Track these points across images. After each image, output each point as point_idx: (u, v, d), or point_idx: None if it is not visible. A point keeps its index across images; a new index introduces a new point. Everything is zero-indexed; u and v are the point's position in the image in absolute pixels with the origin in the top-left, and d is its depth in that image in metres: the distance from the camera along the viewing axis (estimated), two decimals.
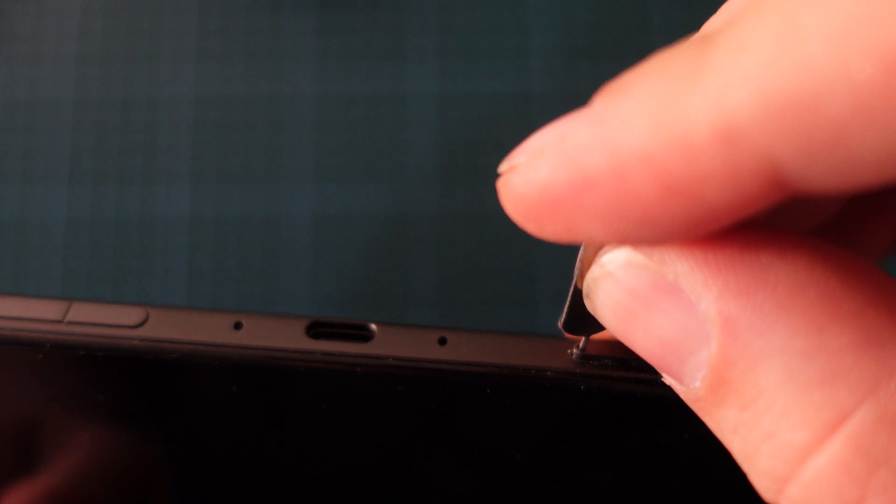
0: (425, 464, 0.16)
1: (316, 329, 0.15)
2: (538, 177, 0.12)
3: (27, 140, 0.32)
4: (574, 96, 0.32)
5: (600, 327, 0.13)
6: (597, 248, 0.13)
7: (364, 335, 0.15)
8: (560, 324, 0.14)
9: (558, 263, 0.31)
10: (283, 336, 0.15)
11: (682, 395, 0.12)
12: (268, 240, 0.31)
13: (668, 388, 0.14)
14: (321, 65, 0.33)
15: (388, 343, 0.15)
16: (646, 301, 0.12)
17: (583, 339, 0.15)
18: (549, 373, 0.14)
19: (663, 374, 0.12)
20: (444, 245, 0.31)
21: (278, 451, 0.16)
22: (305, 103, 0.32)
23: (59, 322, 0.15)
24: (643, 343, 0.12)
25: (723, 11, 0.12)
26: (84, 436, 0.16)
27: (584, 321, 0.13)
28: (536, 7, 0.33)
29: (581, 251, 0.13)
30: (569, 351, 0.15)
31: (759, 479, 0.12)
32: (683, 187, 0.11)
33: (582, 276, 0.13)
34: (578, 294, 0.13)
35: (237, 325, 0.15)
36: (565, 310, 0.13)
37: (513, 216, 0.12)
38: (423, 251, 0.31)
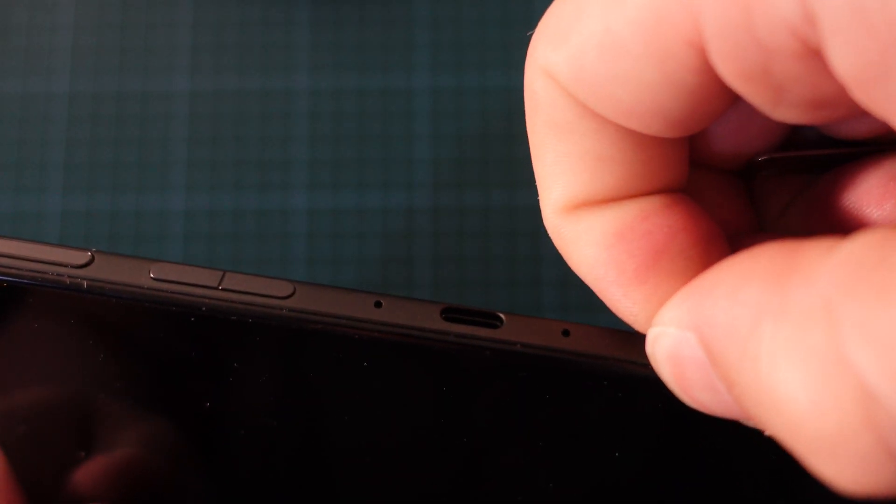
0: (540, 449, 0.17)
1: (449, 313, 0.16)
2: None
3: (21, 133, 0.32)
4: None
5: None
6: None
7: (494, 323, 0.16)
8: None
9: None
10: (420, 316, 0.16)
11: None
12: (262, 231, 0.32)
13: None
14: (315, 58, 0.33)
15: (515, 331, 0.16)
16: None
17: None
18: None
19: None
20: (443, 239, 0.32)
21: (402, 428, 0.17)
22: (299, 96, 0.33)
23: (215, 289, 0.15)
24: None
25: None
26: (213, 400, 0.17)
27: None
28: (542, 1, 0.33)
29: None
30: None
31: None
32: None
33: None
34: None
35: (377, 304, 0.16)
36: None
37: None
38: (422, 245, 0.32)
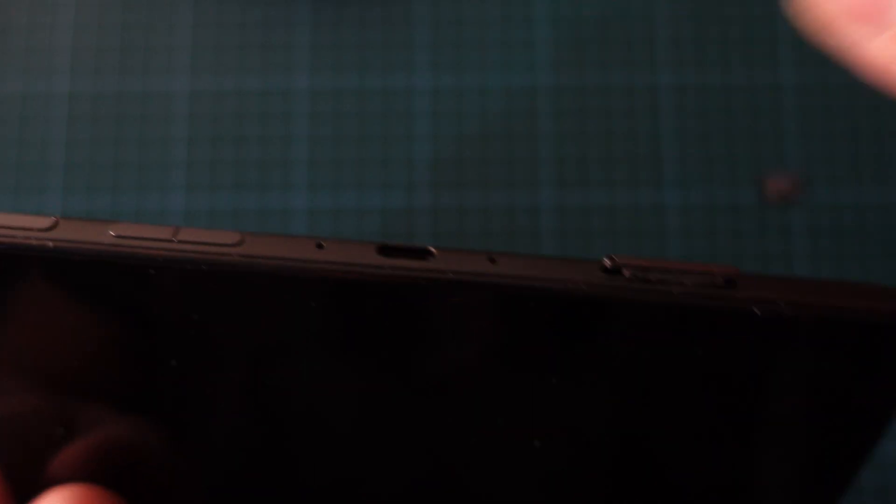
0: (472, 376, 0.18)
1: (384, 250, 0.17)
2: None
3: (21, 133, 0.33)
4: (581, 90, 0.33)
5: None
6: None
7: (425, 255, 0.17)
8: None
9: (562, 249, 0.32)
10: (358, 254, 0.17)
11: None
12: (262, 231, 0.31)
13: (691, 297, 0.16)
14: (315, 58, 0.34)
15: (445, 261, 0.17)
16: None
17: (606, 259, 0.17)
18: (583, 286, 0.16)
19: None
20: (443, 239, 0.32)
21: (349, 364, 0.18)
22: (299, 96, 0.33)
23: (171, 241, 0.16)
24: None
25: None
26: (175, 352, 0.18)
27: None
28: (542, 1, 0.34)
29: None
30: (598, 269, 0.17)
31: None
32: None
33: None
34: None
35: (319, 246, 0.17)
36: None
37: None
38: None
